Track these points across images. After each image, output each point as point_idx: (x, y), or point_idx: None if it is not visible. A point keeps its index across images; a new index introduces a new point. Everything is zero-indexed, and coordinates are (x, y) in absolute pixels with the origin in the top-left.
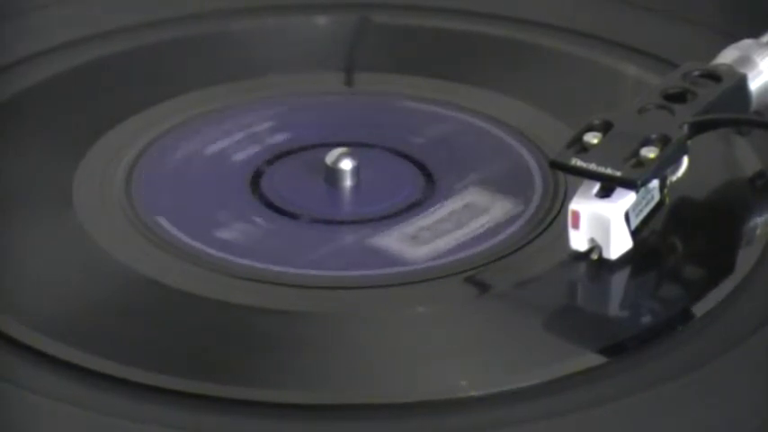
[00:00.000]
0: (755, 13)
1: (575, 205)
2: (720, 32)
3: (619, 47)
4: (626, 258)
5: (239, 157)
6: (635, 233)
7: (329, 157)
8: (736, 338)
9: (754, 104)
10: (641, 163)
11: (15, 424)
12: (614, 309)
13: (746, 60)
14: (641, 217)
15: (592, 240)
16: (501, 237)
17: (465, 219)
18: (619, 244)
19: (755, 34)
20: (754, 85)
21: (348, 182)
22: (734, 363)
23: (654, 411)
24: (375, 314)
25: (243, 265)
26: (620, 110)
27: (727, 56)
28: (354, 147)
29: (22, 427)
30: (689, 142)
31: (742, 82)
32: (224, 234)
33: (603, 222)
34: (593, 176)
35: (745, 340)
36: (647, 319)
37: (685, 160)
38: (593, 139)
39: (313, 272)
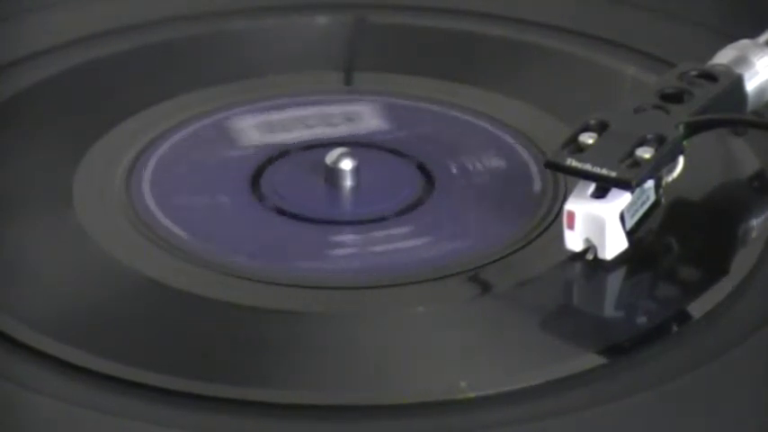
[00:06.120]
0: (753, 14)
1: (570, 205)
2: (718, 32)
3: (618, 47)
4: (627, 259)
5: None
6: (630, 233)
7: (329, 157)
8: (736, 339)
9: (751, 105)
10: (637, 163)
11: (15, 424)
12: (614, 310)
13: (743, 61)
14: (636, 217)
15: (587, 241)
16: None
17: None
18: (614, 244)
19: (753, 34)
20: (750, 85)
21: (348, 182)
22: (733, 363)
23: (653, 412)
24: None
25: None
26: (616, 110)
27: (724, 56)
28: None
29: (21, 427)
30: (685, 142)
31: (738, 82)
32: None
33: (598, 223)
34: (589, 177)
35: (745, 341)
36: (646, 320)
37: (681, 160)
38: (588, 139)
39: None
